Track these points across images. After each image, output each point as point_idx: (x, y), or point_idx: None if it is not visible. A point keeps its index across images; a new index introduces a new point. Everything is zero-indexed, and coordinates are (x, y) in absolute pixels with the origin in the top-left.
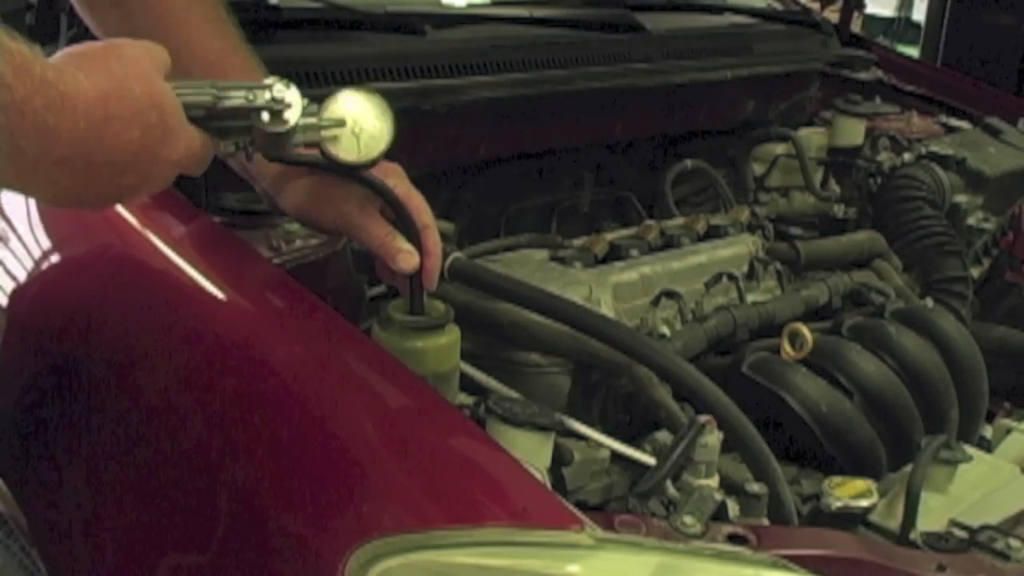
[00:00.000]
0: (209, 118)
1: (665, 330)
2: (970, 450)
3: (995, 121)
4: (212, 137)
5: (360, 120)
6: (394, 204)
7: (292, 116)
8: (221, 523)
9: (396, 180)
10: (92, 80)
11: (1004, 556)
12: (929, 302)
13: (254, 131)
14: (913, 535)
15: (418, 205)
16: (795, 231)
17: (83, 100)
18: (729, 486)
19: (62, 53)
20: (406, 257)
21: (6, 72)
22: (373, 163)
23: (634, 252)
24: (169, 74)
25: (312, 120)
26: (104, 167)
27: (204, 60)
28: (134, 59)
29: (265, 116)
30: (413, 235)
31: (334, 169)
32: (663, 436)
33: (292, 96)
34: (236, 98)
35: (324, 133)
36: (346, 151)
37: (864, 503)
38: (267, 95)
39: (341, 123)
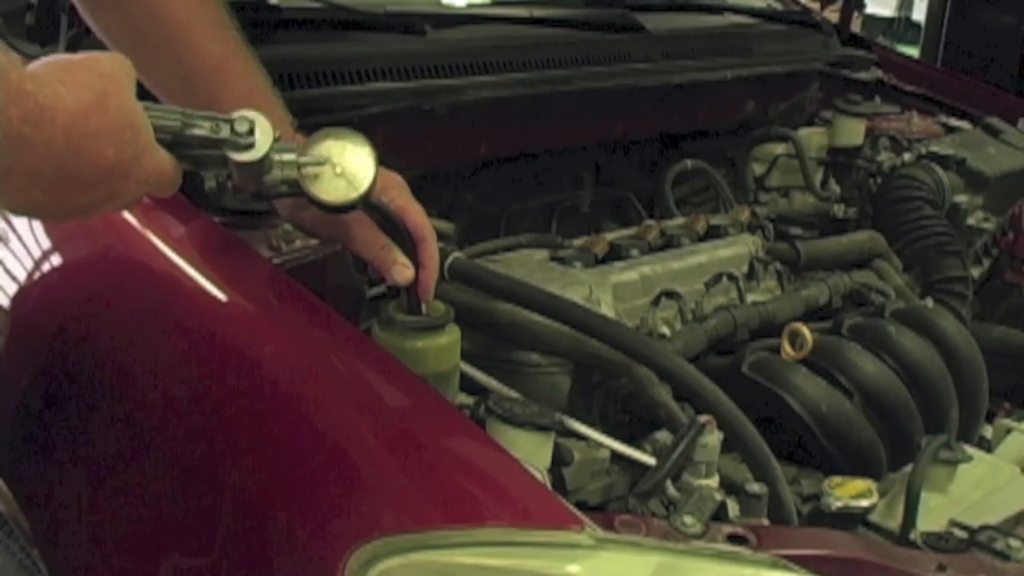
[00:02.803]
0: (176, 144)
1: (665, 330)
2: (970, 450)
3: (995, 121)
4: (190, 167)
5: (342, 160)
6: (388, 220)
7: (259, 150)
8: (221, 523)
9: (395, 193)
10: (74, 95)
11: (1004, 556)
12: (929, 302)
13: (230, 163)
14: (913, 535)
15: (415, 219)
16: (795, 231)
17: (64, 113)
18: (729, 486)
19: (42, 63)
20: (400, 270)
21: None
22: (354, 205)
23: (634, 252)
24: (155, 79)
25: (291, 157)
26: (76, 181)
27: (204, 64)
28: (113, 75)
29: (232, 147)
30: (408, 249)
31: (315, 205)
32: (663, 436)
33: (260, 129)
34: (202, 127)
35: (304, 171)
36: (326, 191)
37: (864, 503)
38: (227, 129)
39: (321, 161)
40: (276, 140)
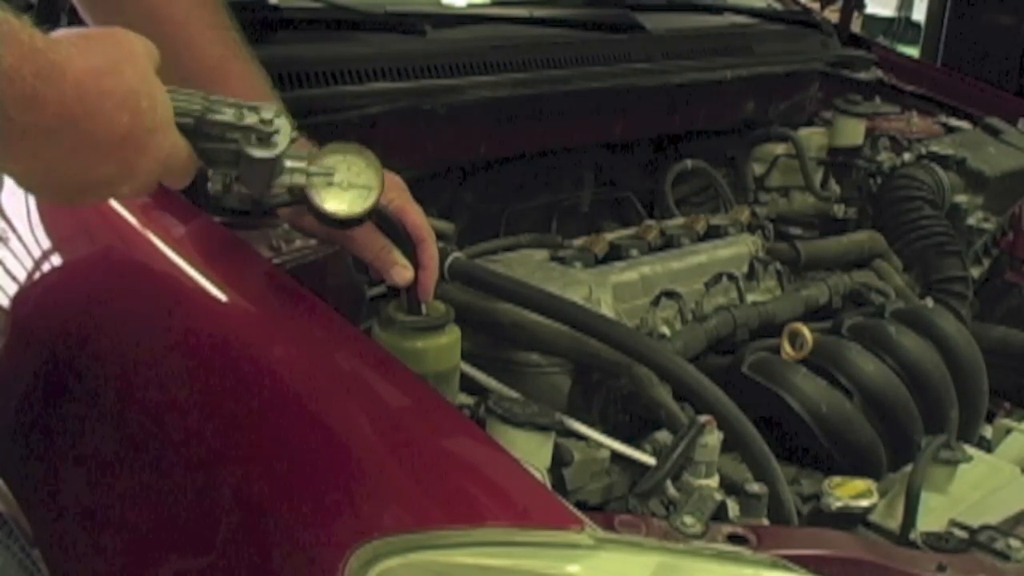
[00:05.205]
0: (196, 132)
1: (665, 330)
2: (970, 450)
3: (995, 121)
4: (202, 161)
5: (349, 174)
6: (387, 221)
7: (280, 142)
8: (222, 524)
9: (394, 194)
10: (85, 56)
11: (1004, 556)
12: (929, 302)
13: (241, 161)
14: (913, 535)
15: (414, 220)
16: (795, 231)
17: (73, 71)
18: (729, 486)
19: (59, 32)
20: (400, 271)
21: None
22: (355, 221)
23: (634, 252)
24: (160, 72)
25: (301, 164)
26: (89, 147)
27: (204, 66)
28: (129, 45)
29: (253, 139)
30: (408, 250)
31: (318, 217)
32: (663, 436)
33: (281, 122)
34: (225, 113)
35: (311, 180)
36: (331, 203)
37: (864, 503)
38: (255, 116)
39: (330, 172)
40: (293, 141)
